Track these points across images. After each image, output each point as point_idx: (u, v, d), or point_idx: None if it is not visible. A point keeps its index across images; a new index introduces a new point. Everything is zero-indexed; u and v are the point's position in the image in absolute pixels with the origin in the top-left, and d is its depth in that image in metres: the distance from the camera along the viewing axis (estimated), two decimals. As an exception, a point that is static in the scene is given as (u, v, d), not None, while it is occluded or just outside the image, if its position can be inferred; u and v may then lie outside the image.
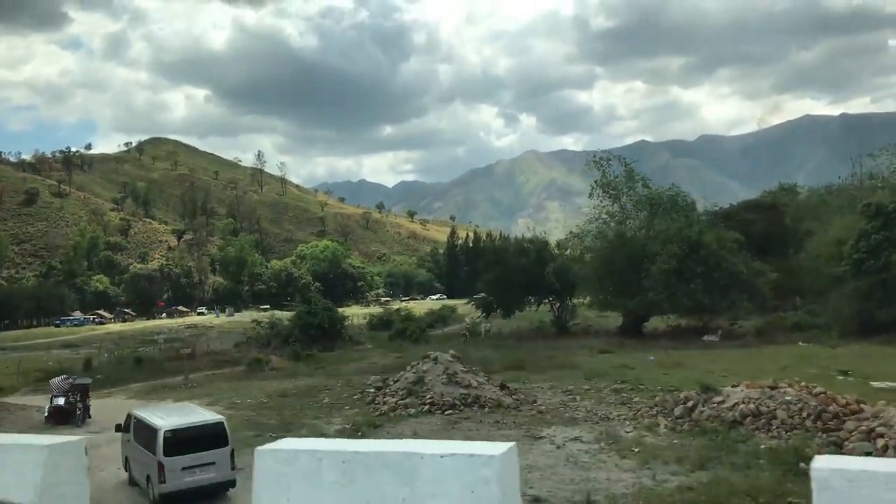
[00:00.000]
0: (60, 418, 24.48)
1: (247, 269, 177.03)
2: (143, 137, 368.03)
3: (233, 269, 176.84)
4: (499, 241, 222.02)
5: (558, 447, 18.23)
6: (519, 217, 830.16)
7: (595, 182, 55.73)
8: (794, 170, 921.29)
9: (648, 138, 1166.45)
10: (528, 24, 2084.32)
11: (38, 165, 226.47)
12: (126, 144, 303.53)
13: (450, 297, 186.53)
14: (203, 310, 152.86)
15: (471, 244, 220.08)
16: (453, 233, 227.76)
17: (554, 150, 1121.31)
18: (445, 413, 23.12)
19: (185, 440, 15.54)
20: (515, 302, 55.38)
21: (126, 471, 17.91)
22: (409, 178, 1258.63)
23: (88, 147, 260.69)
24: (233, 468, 16.02)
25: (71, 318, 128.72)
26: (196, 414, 17.48)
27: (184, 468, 15.28)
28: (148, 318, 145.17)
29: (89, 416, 24.66)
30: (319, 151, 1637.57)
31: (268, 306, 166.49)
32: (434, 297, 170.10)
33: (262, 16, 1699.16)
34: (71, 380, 25.46)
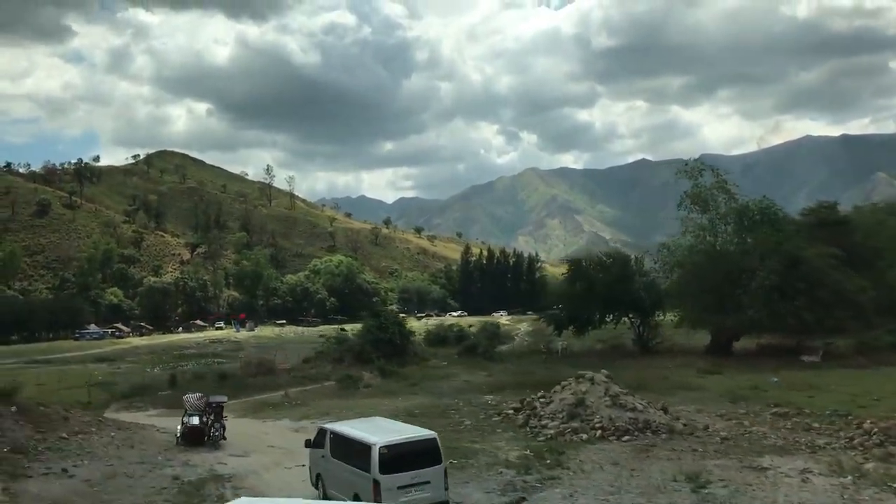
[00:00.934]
0: (195, 439, 22.55)
1: (262, 284, 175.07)
2: (145, 151, 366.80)
3: (248, 283, 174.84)
4: (512, 257, 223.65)
5: (804, 481, 16.40)
6: (519, 234, 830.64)
7: (685, 193, 53.92)
8: (794, 189, 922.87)
9: (649, 157, 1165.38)
10: (530, 43, 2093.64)
11: (49, 177, 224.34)
12: (134, 157, 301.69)
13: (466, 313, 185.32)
14: (221, 324, 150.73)
15: (484, 261, 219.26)
16: (467, 249, 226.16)
17: (554, 167, 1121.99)
18: (622, 440, 21.26)
19: (400, 457, 14.74)
20: (590, 318, 53.30)
21: (316, 488, 17.12)
22: (409, 194, 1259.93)
23: (97, 159, 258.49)
24: (446, 488, 15.19)
25: (90, 331, 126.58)
26: (407, 429, 16.82)
27: (399, 487, 14.47)
28: (164, 333, 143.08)
29: (224, 438, 22.70)
30: (319, 166, 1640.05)
31: (284, 321, 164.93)
32: (455, 313, 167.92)
33: (265, 31, 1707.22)
34: (206, 398, 23.50)
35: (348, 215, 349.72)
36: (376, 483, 14.31)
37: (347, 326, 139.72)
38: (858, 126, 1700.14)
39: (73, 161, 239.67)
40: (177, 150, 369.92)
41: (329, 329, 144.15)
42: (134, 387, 36.38)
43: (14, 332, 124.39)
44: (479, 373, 41.22)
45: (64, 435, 21.38)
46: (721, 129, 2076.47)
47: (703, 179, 54.43)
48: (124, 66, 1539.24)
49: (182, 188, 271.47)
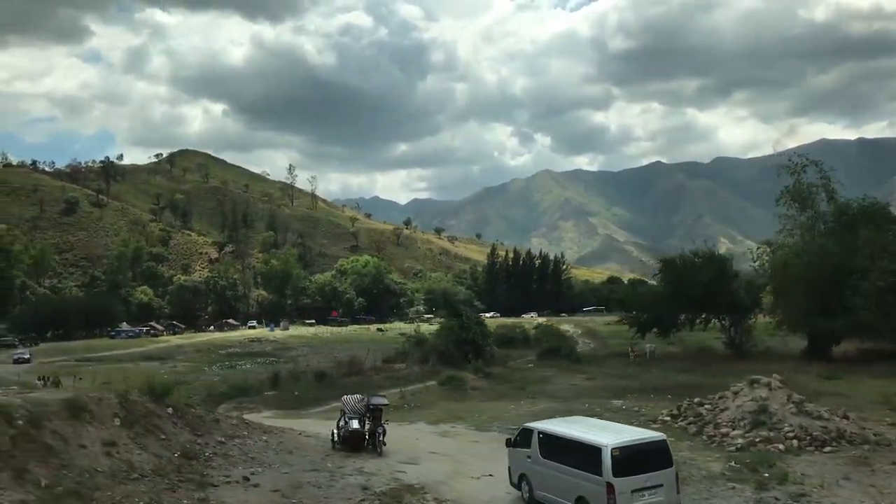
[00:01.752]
0: (356, 444, 21.08)
1: (291, 283, 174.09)
2: (162, 150, 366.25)
3: (277, 282, 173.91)
4: (538, 259, 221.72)
5: None
6: (533, 236, 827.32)
7: (785, 189, 52.03)
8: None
9: (664, 159, 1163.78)
10: (546, 45, 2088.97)
11: (75, 175, 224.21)
12: (157, 156, 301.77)
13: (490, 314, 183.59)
14: (254, 323, 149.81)
15: (510, 262, 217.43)
16: (493, 251, 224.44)
17: (568, 169, 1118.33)
18: (824, 451, 19.68)
19: (632, 459, 14.22)
20: (674, 320, 51.51)
21: (517, 489, 16.78)
22: (423, 195, 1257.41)
23: (120, 158, 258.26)
24: (678, 491, 14.62)
25: (126, 329, 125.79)
26: (631, 430, 16.45)
27: (633, 490, 13.96)
28: (196, 331, 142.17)
29: (384, 443, 21.21)
30: (333, 168, 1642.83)
31: (313, 321, 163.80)
32: (487, 314, 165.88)
33: (281, 32, 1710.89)
34: (366, 400, 22.00)
35: (368, 216, 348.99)
36: (610, 486, 13.75)
37: (385, 326, 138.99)
38: (875, 129, 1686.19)
39: (97, 160, 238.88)
40: (198, 149, 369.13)
41: (360, 329, 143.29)
42: (233, 387, 34.99)
43: (48, 330, 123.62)
44: (576, 376, 39.74)
45: (221, 439, 19.97)
46: (737, 131, 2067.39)
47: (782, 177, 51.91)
48: (141, 66, 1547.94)
49: (205, 187, 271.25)
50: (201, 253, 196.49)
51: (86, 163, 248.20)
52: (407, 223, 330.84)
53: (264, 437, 21.33)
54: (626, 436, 15.13)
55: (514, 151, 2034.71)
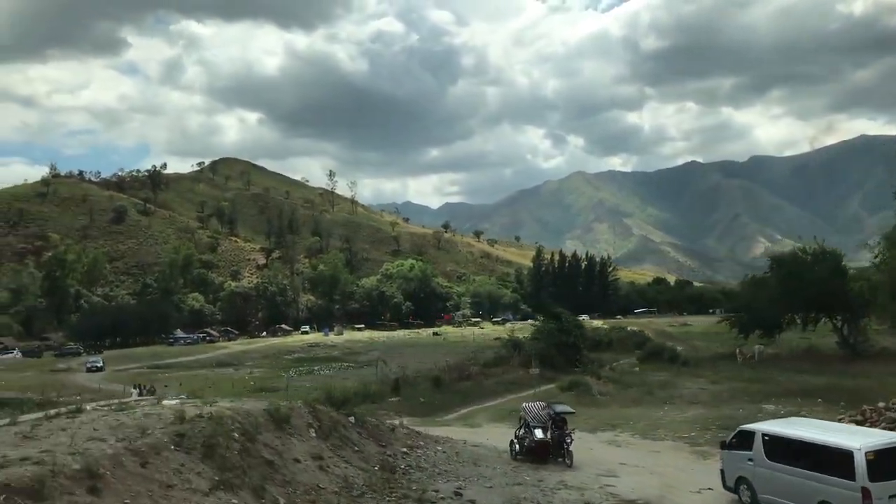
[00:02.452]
0: (541, 454, 19.80)
1: (339, 288, 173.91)
2: (199, 160, 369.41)
3: (325, 287, 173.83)
4: (584, 260, 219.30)
5: None
6: (567, 238, 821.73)
7: None
8: (850, 190, 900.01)
9: (699, 159, 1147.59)
10: (577, 46, 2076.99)
11: (121, 184, 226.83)
12: (199, 164, 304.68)
13: (533, 317, 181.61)
14: (307, 328, 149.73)
15: (556, 265, 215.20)
16: (539, 253, 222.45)
17: (602, 170, 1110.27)
18: None
19: (887, 463, 13.31)
20: (777, 321, 49.50)
21: (733, 492, 16.22)
22: (455, 199, 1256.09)
23: (164, 167, 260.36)
24: None
25: (184, 336, 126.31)
26: (881, 433, 15.90)
27: (891, 496, 13.13)
28: (250, 337, 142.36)
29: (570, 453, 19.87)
30: (366, 174, 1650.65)
31: (363, 325, 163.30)
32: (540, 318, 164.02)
33: (314, 41, 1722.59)
34: (550, 408, 20.73)
35: (406, 220, 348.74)
36: (866, 491, 13.00)
37: (440, 330, 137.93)
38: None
39: (140, 169, 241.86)
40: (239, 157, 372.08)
41: (412, 333, 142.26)
42: (357, 394, 33.90)
43: (106, 338, 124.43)
44: (695, 380, 38.06)
45: (404, 449, 18.87)
46: (773, 130, 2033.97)
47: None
48: (177, 77, 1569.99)
49: (248, 194, 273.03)
50: (248, 259, 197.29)
51: (129, 172, 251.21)
52: (445, 227, 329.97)
53: (439, 447, 20.16)
54: (877, 438, 14.31)
55: (547, 154, 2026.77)
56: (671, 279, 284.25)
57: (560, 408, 21.06)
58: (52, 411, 14.88)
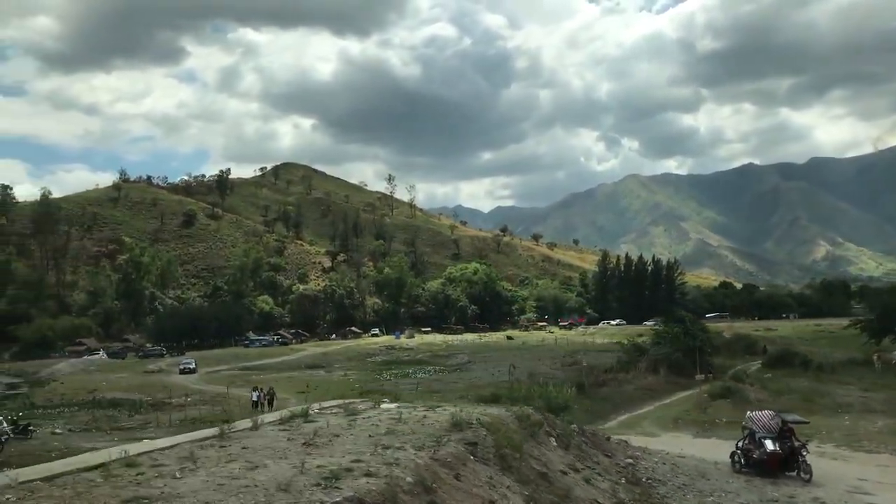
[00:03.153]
0: (773, 468, 18.29)
1: (406, 291, 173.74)
2: (256, 165, 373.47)
3: (391, 290, 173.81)
4: (650, 264, 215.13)
5: None
6: (622, 242, 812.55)
7: None
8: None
9: (756, 161, 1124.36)
10: (632, 48, 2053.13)
11: (190, 189, 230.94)
12: (261, 169, 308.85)
13: (599, 322, 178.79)
14: (377, 331, 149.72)
15: (621, 268, 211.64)
16: (605, 256, 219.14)
17: (657, 173, 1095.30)
18: None
19: None
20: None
21: None
22: (507, 203, 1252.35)
23: (228, 172, 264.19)
24: None
25: (259, 338, 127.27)
26: None
27: None
28: (320, 340, 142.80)
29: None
30: (418, 178, 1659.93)
31: (429, 329, 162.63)
32: (613, 322, 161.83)
33: (367, 47, 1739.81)
34: (780, 417, 19.22)
35: (464, 223, 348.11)
36: None
37: (512, 334, 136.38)
38: None
39: (206, 175, 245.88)
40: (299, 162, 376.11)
41: (481, 336, 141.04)
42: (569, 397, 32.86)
43: (182, 340, 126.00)
44: (845, 386, 35.96)
45: (629, 460, 17.59)
46: (834, 131, 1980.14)
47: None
48: (234, 84, 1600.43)
49: (310, 199, 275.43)
50: (314, 262, 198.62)
51: (194, 177, 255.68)
52: (503, 230, 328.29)
53: (654, 459, 18.81)
54: None
55: (601, 157, 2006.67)
56: (732, 283, 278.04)
57: (791, 417, 19.50)
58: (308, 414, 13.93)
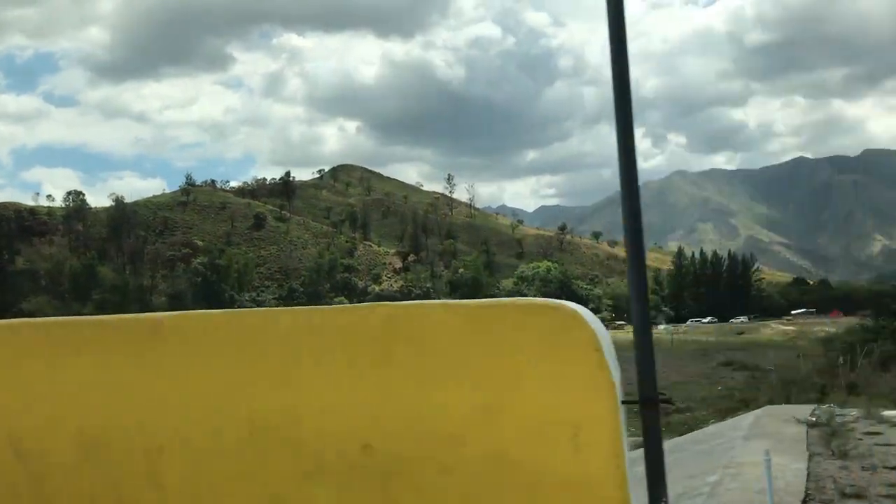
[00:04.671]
0: None
1: (482, 291, 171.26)
2: (306, 168, 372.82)
3: (466, 290, 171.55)
4: (725, 261, 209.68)
5: None
6: (670, 238, 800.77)
7: None
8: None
9: (808, 155, 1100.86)
10: (679, 43, 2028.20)
11: (256, 192, 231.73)
12: (318, 171, 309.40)
13: (678, 320, 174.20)
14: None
15: (696, 265, 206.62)
16: (680, 253, 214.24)
17: (705, 169, 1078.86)
18: None
19: None
20: None
21: None
22: (552, 202, 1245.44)
23: (288, 175, 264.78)
24: None
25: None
26: None
27: None
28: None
29: None
30: (463, 178, 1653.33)
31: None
32: (704, 320, 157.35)
33: (411, 48, 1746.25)
34: None
35: (520, 222, 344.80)
36: None
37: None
38: None
39: (273, 177, 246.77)
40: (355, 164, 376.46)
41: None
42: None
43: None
44: None
45: None
46: (889, 122, 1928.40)
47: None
48: (279, 89, 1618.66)
49: (370, 200, 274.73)
50: (384, 263, 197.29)
51: (256, 180, 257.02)
52: (562, 228, 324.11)
53: None
54: None
55: (647, 153, 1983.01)
56: (805, 280, 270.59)
57: None
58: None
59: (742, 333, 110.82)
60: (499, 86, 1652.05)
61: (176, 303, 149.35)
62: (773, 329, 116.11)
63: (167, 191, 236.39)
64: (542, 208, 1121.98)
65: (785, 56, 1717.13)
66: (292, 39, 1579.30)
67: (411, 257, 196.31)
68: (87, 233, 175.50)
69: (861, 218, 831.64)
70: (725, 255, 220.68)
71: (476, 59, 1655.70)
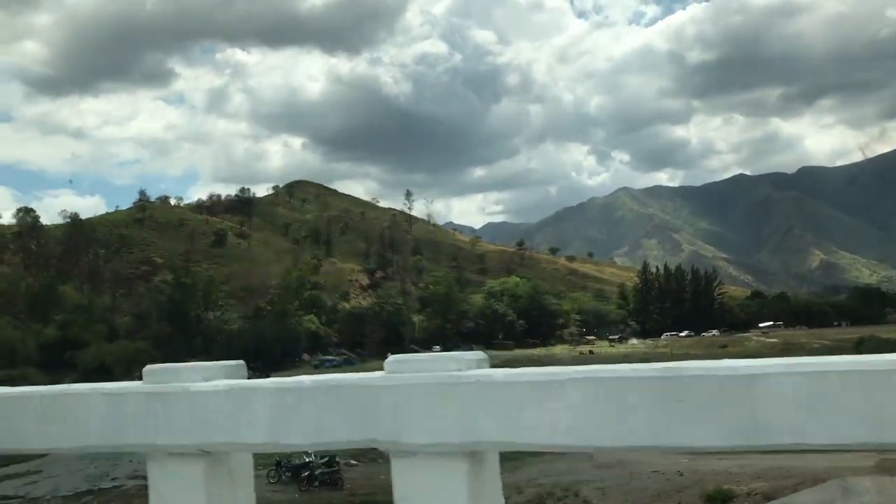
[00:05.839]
0: None
1: (454, 307, 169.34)
2: (246, 186, 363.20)
3: (437, 305, 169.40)
4: (688, 275, 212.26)
5: None
6: (615, 255, 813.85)
7: None
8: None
9: (747, 171, 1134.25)
10: (622, 61, 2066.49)
11: (214, 209, 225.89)
12: (273, 188, 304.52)
13: (647, 335, 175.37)
14: (437, 348, 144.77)
15: (660, 280, 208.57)
16: (645, 268, 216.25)
17: (648, 186, 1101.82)
18: None
19: None
20: None
21: None
22: (499, 219, 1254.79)
23: (244, 191, 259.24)
24: None
25: (329, 358, 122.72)
26: None
27: None
28: (378, 359, 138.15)
29: None
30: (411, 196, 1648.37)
31: (478, 345, 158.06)
32: (682, 333, 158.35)
33: (356, 65, 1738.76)
34: None
35: (478, 238, 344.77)
36: None
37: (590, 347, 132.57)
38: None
39: (228, 194, 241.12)
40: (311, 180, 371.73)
41: (541, 352, 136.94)
42: None
43: (248, 362, 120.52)
44: None
45: None
46: (824, 139, 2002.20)
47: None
48: (223, 105, 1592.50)
49: (328, 216, 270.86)
50: (351, 280, 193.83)
51: (210, 197, 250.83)
52: (520, 244, 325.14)
53: None
54: None
55: (592, 171, 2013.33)
56: (763, 293, 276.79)
57: None
58: None
59: (725, 346, 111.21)
60: (446, 102, 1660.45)
61: (141, 322, 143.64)
62: (757, 342, 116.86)
63: (109, 210, 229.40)
64: (489, 224, 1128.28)
65: (725, 75, 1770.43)
66: (236, 55, 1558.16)
67: (378, 274, 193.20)
68: (41, 251, 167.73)
69: (799, 233, 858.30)
70: (672, 269, 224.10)
71: (423, 76, 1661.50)
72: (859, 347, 64.29)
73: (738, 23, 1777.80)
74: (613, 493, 21.63)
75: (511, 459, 29.24)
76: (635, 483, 22.24)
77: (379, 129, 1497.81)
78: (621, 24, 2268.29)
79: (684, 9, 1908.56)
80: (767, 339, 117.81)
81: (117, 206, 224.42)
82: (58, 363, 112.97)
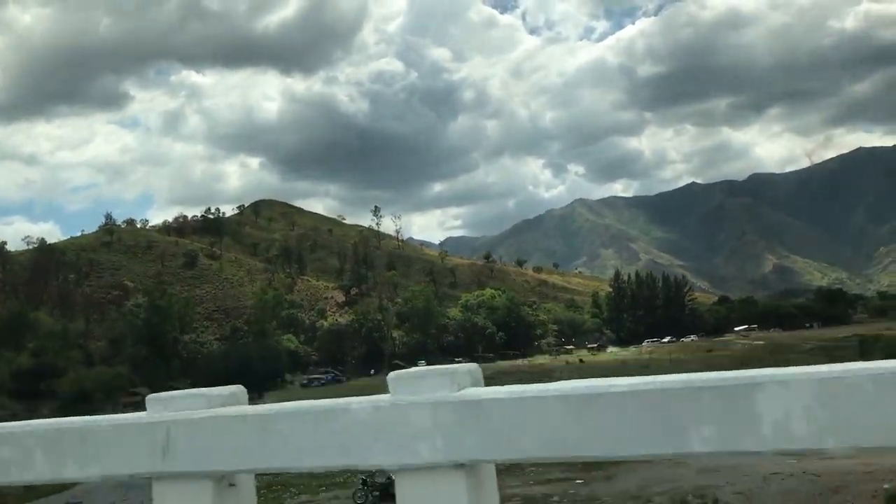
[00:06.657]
0: None
1: (433, 321, 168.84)
2: (204, 207, 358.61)
3: (416, 320, 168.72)
4: (659, 282, 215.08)
5: None
6: (574, 266, 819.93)
7: None
8: (853, 203, 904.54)
9: (699, 180, 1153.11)
10: (575, 76, 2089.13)
11: (182, 230, 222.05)
12: (239, 208, 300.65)
13: (623, 343, 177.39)
14: (422, 362, 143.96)
15: (632, 288, 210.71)
16: (617, 276, 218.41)
17: (604, 196, 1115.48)
18: None
19: None
20: None
21: None
22: (458, 233, 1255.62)
23: (208, 210, 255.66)
24: None
25: (317, 377, 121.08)
26: None
27: None
28: (360, 376, 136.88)
29: None
30: (371, 213, 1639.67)
31: (461, 359, 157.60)
32: (664, 339, 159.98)
33: (313, 84, 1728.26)
34: None
35: (445, 252, 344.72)
36: None
37: (582, 357, 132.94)
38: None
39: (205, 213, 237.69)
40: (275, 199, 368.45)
41: (525, 362, 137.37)
42: None
43: (231, 383, 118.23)
44: None
45: None
46: (772, 147, 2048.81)
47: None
48: (179, 127, 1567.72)
49: (296, 234, 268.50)
50: (326, 297, 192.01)
51: (178, 218, 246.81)
52: (487, 257, 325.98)
53: None
54: None
55: (548, 183, 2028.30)
56: (728, 297, 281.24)
57: None
58: None
59: (711, 350, 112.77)
60: (403, 119, 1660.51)
61: (116, 347, 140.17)
62: (743, 345, 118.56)
63: (63, 237, 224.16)
64: (449, 239, 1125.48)
65: (675, 87, 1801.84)
66: (191, 76, 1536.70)
67: (354, 290, 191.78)
68: (6, 278, 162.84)
69: (752, 238, 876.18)
70: (641, 276, 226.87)
71: (380, 94, 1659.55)
72: (863, 347, 65.67)
73: (686, 36, 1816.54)
74: (757, 497, 21.32)
75: (597, 469, 28.95)
76: (776, 486, 21.98)
77: (337, 148, 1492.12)
78: (573, 40, 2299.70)
79: (633, 23, 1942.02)
80: (752, 342, 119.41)
81: (83, 231, 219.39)
82: (32, 392, 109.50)
